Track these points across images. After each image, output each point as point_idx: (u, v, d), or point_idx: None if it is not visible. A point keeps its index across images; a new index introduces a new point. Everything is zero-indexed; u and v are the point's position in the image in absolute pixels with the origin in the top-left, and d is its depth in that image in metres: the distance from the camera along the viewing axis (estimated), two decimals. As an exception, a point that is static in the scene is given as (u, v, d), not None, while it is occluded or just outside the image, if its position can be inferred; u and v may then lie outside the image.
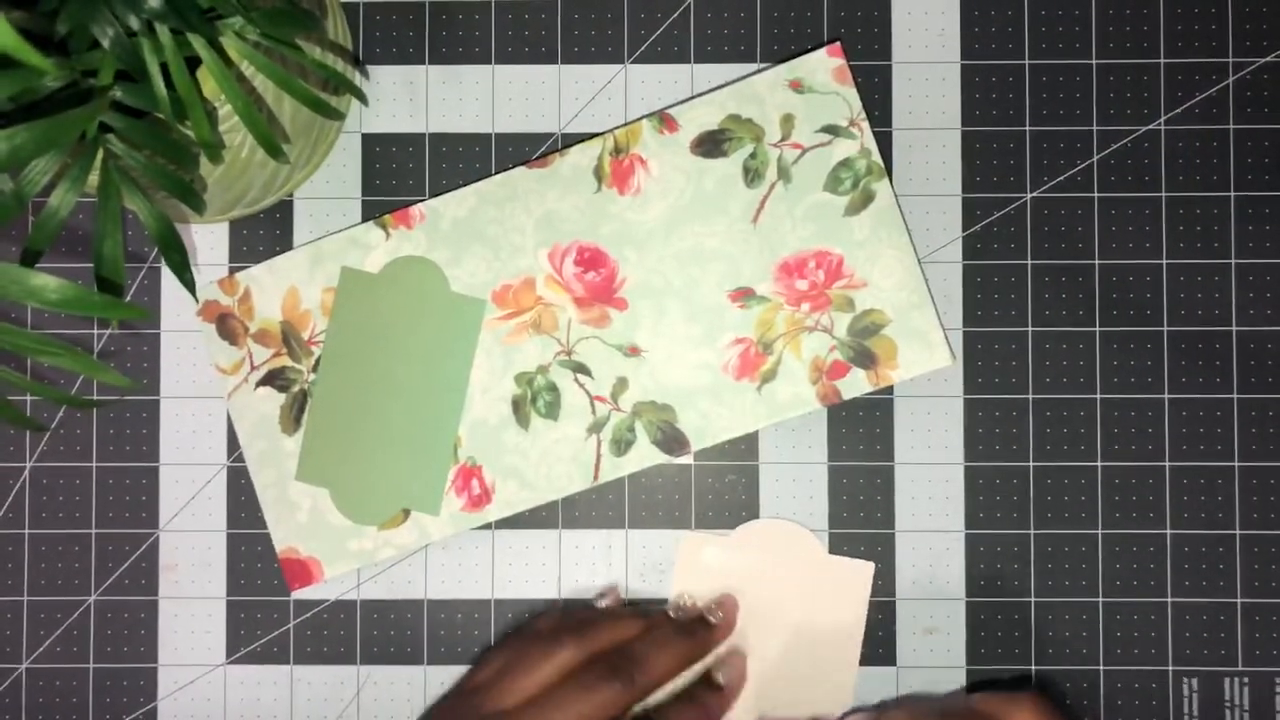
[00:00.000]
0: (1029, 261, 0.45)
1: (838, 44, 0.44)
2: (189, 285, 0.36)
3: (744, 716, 0.44)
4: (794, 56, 0.44)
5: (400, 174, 0.45)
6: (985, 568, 0.44)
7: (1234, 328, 0.44)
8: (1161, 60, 0.45)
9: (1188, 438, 0.44)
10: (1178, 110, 0.45)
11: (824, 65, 0.44)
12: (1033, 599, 0.44)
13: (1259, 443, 0.44)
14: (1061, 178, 0.45)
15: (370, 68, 0.45)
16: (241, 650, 0.45)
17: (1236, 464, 0.44)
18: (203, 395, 0.45)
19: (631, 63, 0.45)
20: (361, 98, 0.39)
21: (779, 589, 0.44)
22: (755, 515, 0.45)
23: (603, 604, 0.43)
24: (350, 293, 0.44)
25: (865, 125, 0.44)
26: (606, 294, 0.44)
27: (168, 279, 0.45)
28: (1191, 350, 0.45)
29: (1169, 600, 0.44)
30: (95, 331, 0.45)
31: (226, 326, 0.45)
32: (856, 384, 0.44)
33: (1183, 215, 0.45)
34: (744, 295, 0.44)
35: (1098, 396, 0.44)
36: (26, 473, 0.45)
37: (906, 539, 0.44)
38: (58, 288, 0.29)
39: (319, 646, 0.45)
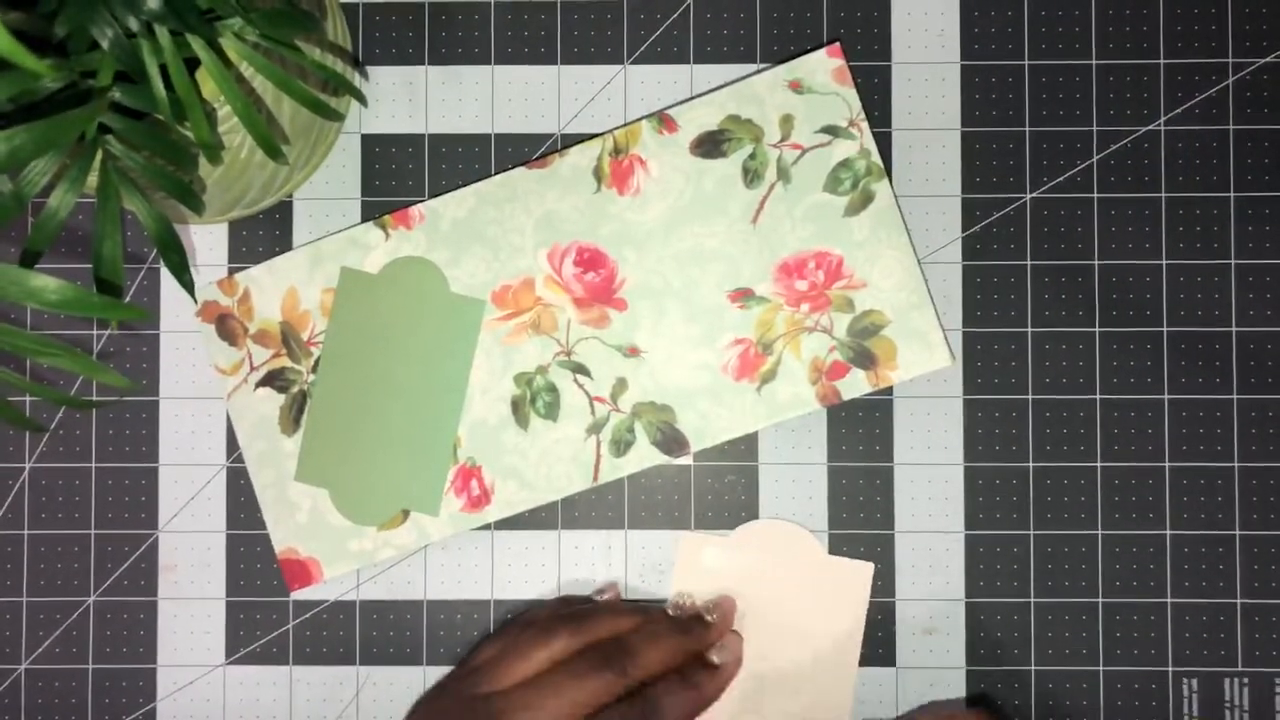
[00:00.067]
0: (1029, 262, 0.45)
1: (837, 44, 0.44)
2: (188, 286, 0.36)
3: (744, 717, 0.44)
4: (793, 57, 0.44)
5: (400, 175, 0.45)
6: (985, 568, 0.44)
7: (1234, 328, 0.44)
8: (1161, 60, 0.45)
9: (1188, 438, 0.44)
10: (1178, 111, 0.45)
11: (823, 66, 0.44)
12: (1033, 599, 0.44)
13: (1259, 443, 0.44)
14: (1061, 178, 0.45)
15: (370, 68, 0.45)
16: (241, 651, 0.45)
17: (1236, 464, 0.44)
18: (202, 396, 0.45)
19: (631, 63, 0.45)
20: (361, 98, 0.39)
21: (778, 589, 0.44)
22: (755, 516, 0.45)
23: (602, 599, 0.44)
24: (350, 293, 0.44)
25: (865, 126, 0.44)
26: (606, 294, 0.44)
27: (167, 280, 0.45)
28: (1191, 350, 0.44)
29: (1169, 601, 0.44)
30: (95, 332, 0.45)
31: (226, 327, 0.45)
32: (856, 384, 0.43)
33: (1183, 216, 0.45)
34: (743, 296, 0.44)
35: (1098, 397, 0.44)
36: (26, 473, 0.45)
37: (906, 539, 0.44)
38: (57, 288, 0.29)
39: (318, 647, 0.45)
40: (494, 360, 0.44)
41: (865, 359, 0.44)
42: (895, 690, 0.44)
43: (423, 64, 0.45)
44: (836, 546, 0.45)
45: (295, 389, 0.44)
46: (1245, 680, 0.44)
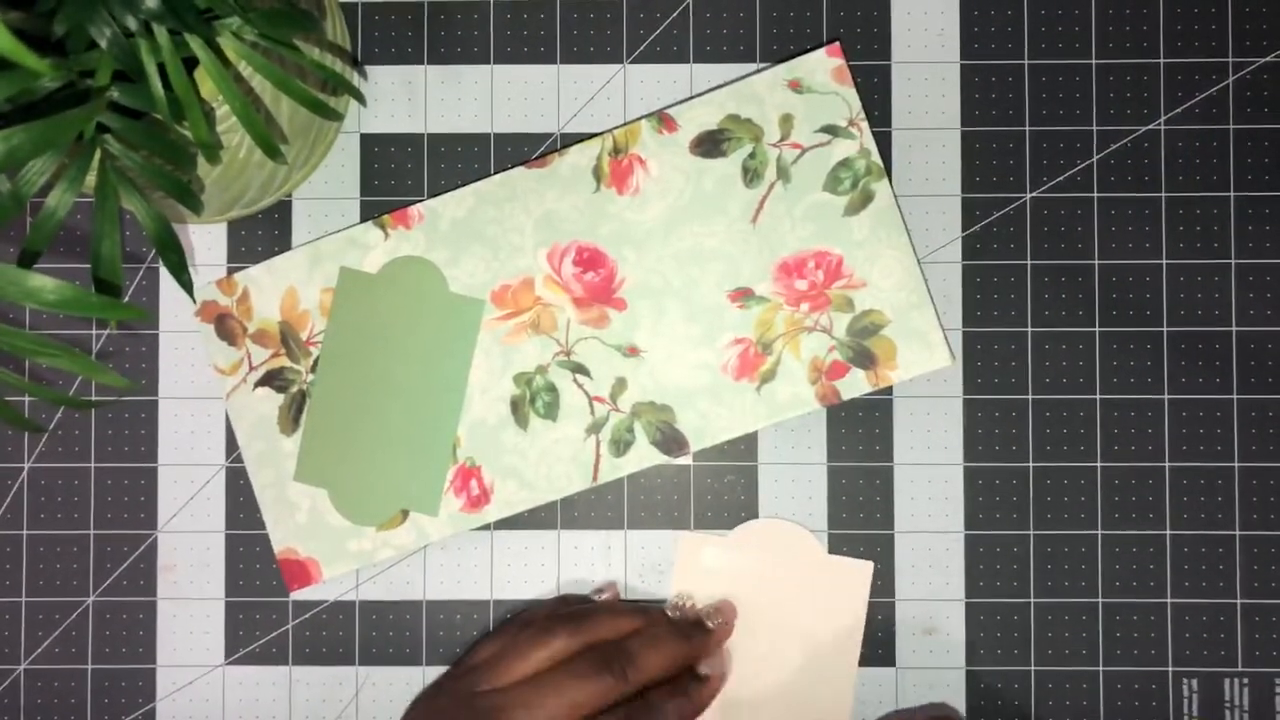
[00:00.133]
0: (1029, 262, 0.45)
1: (837, 44, 0.44)
2: (186, 286, 0.36)
3: (744, 717, 0.44)
4: (793, 56, 0.44)
5: (399, 174, 0.45)
6: (985, 568, 0.44)
7: (1234, 328, 0.44)
8: (1161, 60, 0.45)
9: (1188, 438, 0.44)
10: (1178, 110, 0.45)
11: (823, 65, 0.44)
12: (1033, 599, 0.44)
13: (1259, 443, 0.44)
14: (1061, 178, 0.45)
15: (369, 68, 0.45)
16: (240, 651, 0.45)
17: (1236, 464, 0.44)
18: (201, 396, 0.45)
19: (630, 63, 0.45)
20: (360, 98, 0.39)
21: (778, 589, 0.44)
22: (754, 515, 0.45)
23: (600, 599, 0.44)
24: (349, 293, 0.44)
25: (864, 125, 0.44)
26: (605, 294, 0.44)
27: (166, 279, 0.45)
28: (1191, 350, 0.44)
29: (1169, 601, 0.44)
30: (93, 332, 0.45)
31: (225, 327, 0.45)
32: (856, 384, 0.43)
33: (1183, 215, 0.45)
34: (743, 295, 0.44)
35: (1098, 397, 0.44)
36: (25, 473, 0.45)
37: (906, 539, 0.44)
38: (55, 288, 0.29)
39: (318, 647, 0.45)
40: (493, 360, 0.44)
41: (865, 359, 0.43)
42: (895, 690, 0.44)
43: (422, 63, 0.45)
44: (836, 546, 0.44)
45: (294, 389, 0.44)
46: (1245, 680, 0.44)
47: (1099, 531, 0.44)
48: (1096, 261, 0.45)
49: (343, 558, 0.44)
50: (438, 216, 0.44)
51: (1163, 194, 0.45)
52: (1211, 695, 0.44)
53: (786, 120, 0.44)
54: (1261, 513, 0.44)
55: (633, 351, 0.44)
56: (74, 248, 0.45)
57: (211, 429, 0.45)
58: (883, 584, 0.44)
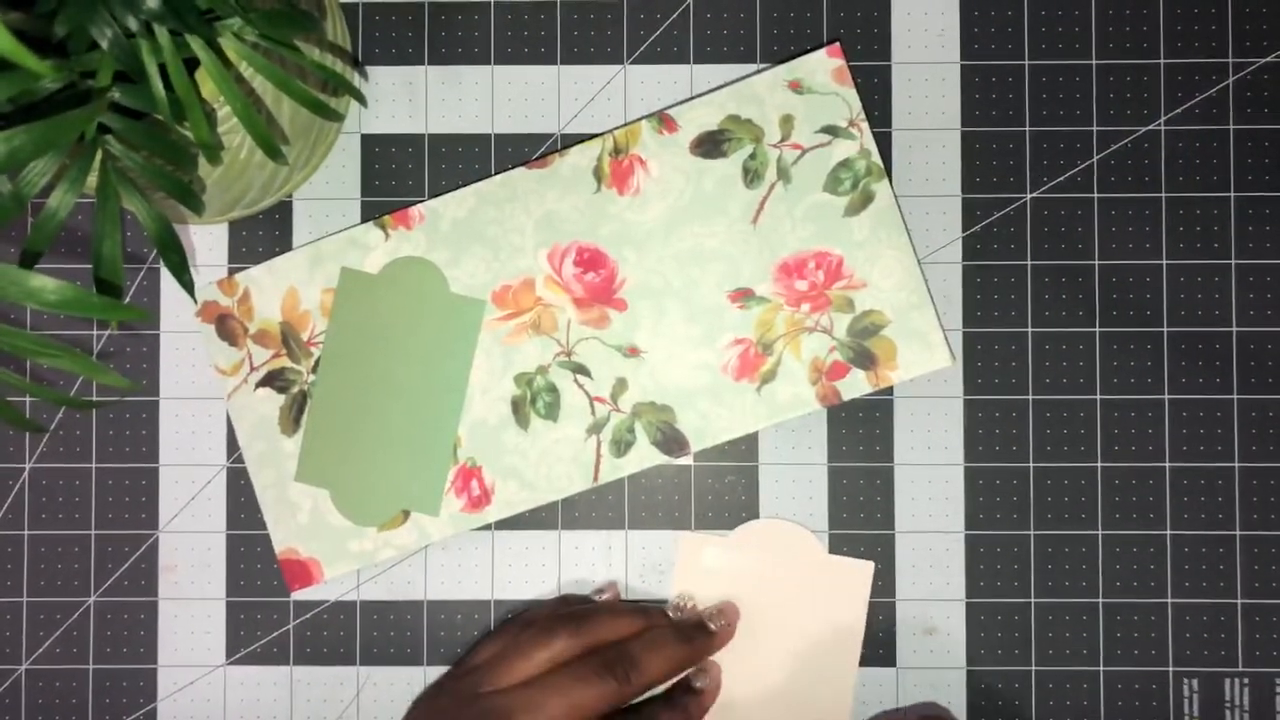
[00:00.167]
0: (1029, 262, 0.45)
1: (837, 44, 0.44)
2: (187, 286, 0.36)
3: (744, 717, 0.44)
4: (793, 57, 0.44)
5: (399, 175, 0.45)
6: (985, 568, 0.44)
7: (1234, 328, 0.44)
8: (1161, 60, 0.45)
9: (1188, 438, 0.44)
10: (1178, 110, 0.45)
11: (823, 66, 0.44)
12: (1033, 599, 0.44)
13: (1259, 443, 0.44)
14: (1061, 178, 0.45)
15: (369, 68, 0.45)
16: (241, 651, 0.45)
17: (1236, 464, 0.44)
18: (202, 396, 0.45)
19: (631, 63, 0.45)
20: (361, 99, 0.39)
21: (779, 589, 0.44)
22: (755, 516, 0.45)
23: (601, 599, 0.44)
24: (350, 293, 0.44)
25: (865, 126, 0.44)
26: (606, 295, 0.44)
27: (167, 280, 0.45)
28: (1191, 350, 0.44)
29: (1169, 601, 0.44)
30: (94, 332, 0.45)
31: (226, 327, 0.45)
32: (856, 385, 0.43)
33: (1183, 216, 0.45)
34: (743, 296, 0.44)
35: (1098, 397, 0.44)
36: (26, 474, 0.45)
37: (906, 539, 0.44)
38: (56, 289, 0.29)
39: (319, 647, 0.45)
40: (494, 360, 0.44)
41: (865, 359, 0.43)
42: (895, 690, 0.44)
43: (422, 64, 0.45)
44: (837, 546, 0.44)
45: (295, 389, 0.44)
46: (1246, 680, 0.44)
47: (1099, 531, 0.44)
48: (1097, 262, 0.45)
49: (344, 558, 0.44)
50: (438, 217, 0.44)
51: (1163, 194, 0.45)
52: (1212, 695, 0.44)
53: (787, 121, 0.44)
54: (1262, 513, 0.44)
55: (633, 352, 0.44)
56: (75, 248, 0.45)
57: (212, 429, 0.45)
58: (883, 584, 0.44)
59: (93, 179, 0.33)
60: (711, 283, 0.44)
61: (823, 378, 0.44)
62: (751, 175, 0.44)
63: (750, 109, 0.44)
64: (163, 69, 0.32)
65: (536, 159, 0.45)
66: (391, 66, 0.45)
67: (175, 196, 0.35)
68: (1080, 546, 0.44)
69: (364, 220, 0.45)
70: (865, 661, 0.44)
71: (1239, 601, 0.44)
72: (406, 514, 0.44)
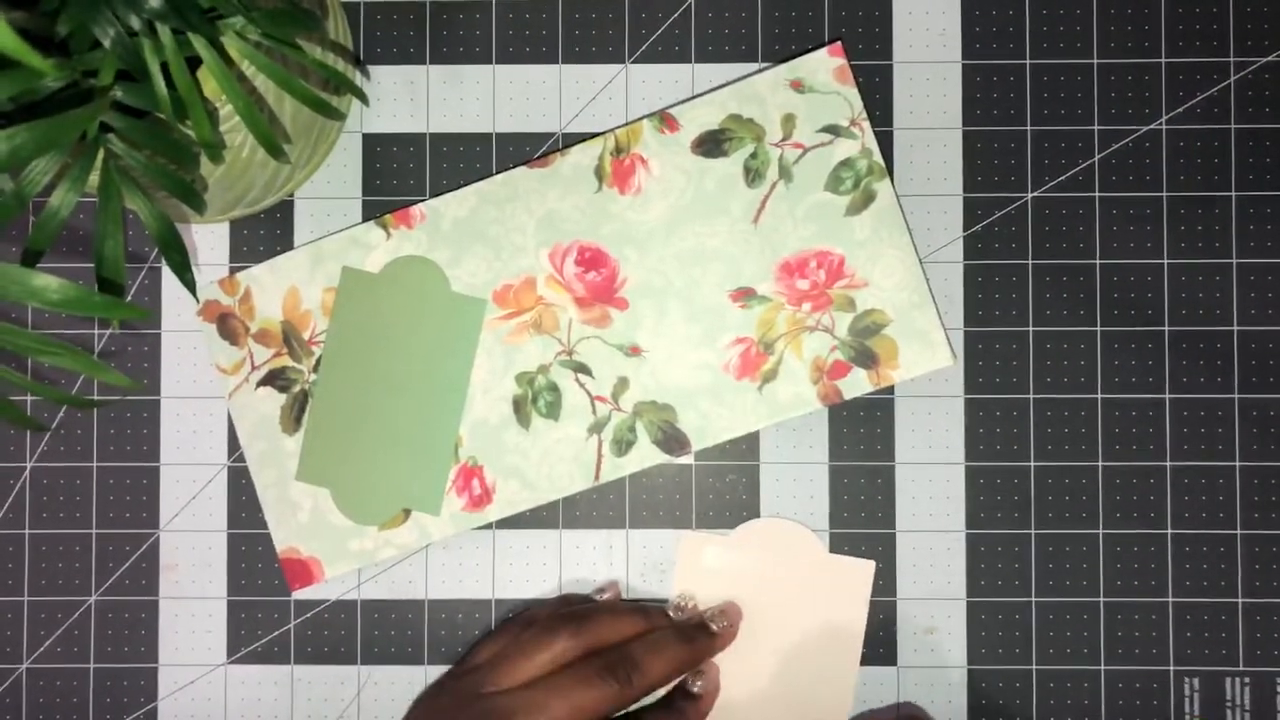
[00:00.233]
0: (1030, 261, 0.45)
1: (838, 44, 0.44)
2: (189, 285, 0.36)
3: (744, 716, 0.44)
4: (795, 56, 0.44)
5: (401, 174, 0.45)
6: (985, 568, 0.44)
7: (1235, 327, 0.44)
8: (1163, 60, 0.45)
9: (1188, 438, 0.44)
10: (1179, 110, 0.45)
11: (825, 65, 0.44)
12: (1033, 599, 0.44)
13: (1259, 443, 0.44)
14: (1062, 177, 0.45)
15: (371, 67, 0.45)
16: (242, 650, 0.45)
17: (1237, 464, 0.44)
18: (203, 395, 0.45)
19: (632, 62, 0.45)
20: (362, 97, 0.39)
21: (779, 588, 0.44)
22: (756, 515, 0.45)
23: (602, 599, 0.44)
24: (351, 292, 0.44)
25: (866, 125, 0.44)
26: (607, 294, 0.44)
27: (168, 279, 0.45)
28: (1192, 350, 0.44)
29: (1170, 600, 0.44)
30: (96, 331, 0.45)
31: (227, 326, 0.45)
32: (857, 384, 0.43)
33: (1184, 215, 0.45)
34: (745, 295, 0.44)
35: (1098, 396, 0.44)
36: (27, 473, 0.45)
37: (906, 539, 0.44)
38: (59, 288, 0.29)
39: (319, 646, 0.45)
40: (495, 359, 0.44)
41: (866, 358, 0.43)
42: (895, 690, 0.44)
43: (424, 63, 0.45)
44: (838, 546, 0.45)
45: (296, 388, 0.44)
46: (1247, 680, 0.44)
47: (1100, 531, 0.44)
48: (1098, 261, 0.45)
49: (344, 557, 0.44)
50: (440, 216, 0.44)
51: (1164, 193, 0.45)
52: (1213, 694, 0.44)
53: (788, 120, 0.44)
54: (1263, 512, 0.44)
55: (634, 351, 0.44)
56: (77, 247, 0.45)
57: (213, 428, 0.45)
58: (884, 583, 0.44)
59: (95, 178, 0.33)
60: (713, 282, 0.44)
61: (824, 377, 0.44)
62: (753, 174, 0.44)
63: (752, 108, 0.44)
64: (165, 68, 0.32)
65: (538, 158, 0.45)
66: (393, 65, 0.45)
67: (177, 195, 0.35)
68: (1081, 546, 0.44)
69: (365, 219, 0.45)
70: (866, 661, 0.44)
71: (1240, 601, 0.44)
72: (407, 513, 0.44)
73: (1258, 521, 0.44)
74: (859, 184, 0.44)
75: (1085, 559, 0.44)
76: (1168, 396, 0.44)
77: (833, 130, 0.44)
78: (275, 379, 0.44)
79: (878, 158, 0.44)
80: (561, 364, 0.44)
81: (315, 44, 0.40)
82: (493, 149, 0.45)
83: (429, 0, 0.45)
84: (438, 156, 0.45)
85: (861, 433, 0.45)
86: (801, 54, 0.44)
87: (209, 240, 0.45)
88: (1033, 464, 0.44)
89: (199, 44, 0.32)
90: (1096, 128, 0.45)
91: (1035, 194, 0.45)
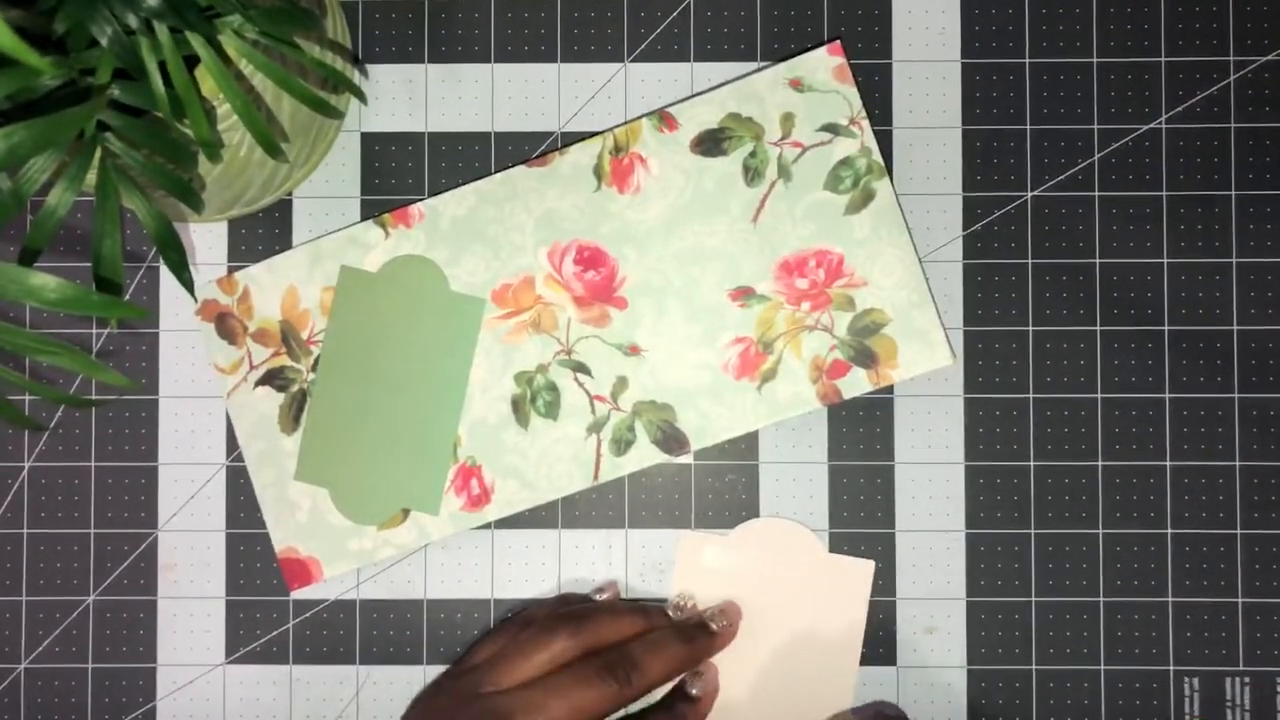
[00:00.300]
0: (1029, 261, 0.45)
1: (838, 42, 0.44)
2: (187, 285, 0.36)
3: (744, 716, 0.44)
4: (794, 55, 0.44)
5: (399, 173, 0.45)
6: (985, 568, 0.44)
7: (1235, 327, 0.44)
8: (1162, 59, 0.45)
9: (1188, 437, 0.44)
10: (1179, 109, 0.45)
11: (824, 64, 0.44)
12: (1033, 599, 0.44)
13: (1259, 443, 0.44)
14: (1062, 176, 0.45)
15: (369, 66, 0.45)
16: (241, 650, 0.45)
17: (1237, 464, 0.44)
18: (202, 395, 0.45)
19: (631, 61, 0.45)
20: (361, 96, 0.39)
21: (779, 588, 0.44)
22: (755, 514, 0.45)
23: (601, 598, 0.44)
24: (349, 292, 0.44)
25: (865, 124, 0.44)
26: (606, 293, 0.44)
27: (166, 278, 0.45)
28: (1192, 350, 0.44)
29: (1170, 600, 0.44)
30: (94, 331, 0.45)
31: (225, 326, 0.45)
32: (857, 383, 0.43)
33: (1184, 214, 0.45)
34: (744, 294, 0.44)
35: (1098, 396, 0.44)
36: (25, 472, 0.45)
37: (906, 539, 0.44)
38: (56, 287, 0.29)
39: (318, 646, 0.45)
40: (494, 359, 0.44)
41: (866, 358, 0.43)
42: (895, 690, 0.44)
43: (423, 62, 0.45)
44: (837, 545, 0.44)
45: (295, 388, 0.44)
46: (1247, 679, 0.44)
47: (1100, 530, 0.44)
48: (1097, 260, 0.45)
49: (343, 557, 0.44)
50: (438, 215, 0.44)
51: (1164, 193, 0.45)
52: (1213, 694, 0.44)
53: (787, 119, 0.44)
54: (1263, 511, 0.44)
55: (634, 350, 0.44)
56: (75, 246, 0.45)
57: (212, 428, 0.45)
58: (883, 583, 0.44)
59: (92, 176, 0.33)
60: (712, 281, 0.44)
61: (823, 376, 0.43)
62: (752, 173, 0.44)
63: (751, 107, 0.44)
64: (162, 66, 0.32)
65: (537, 157, 0.45)
66: (391, 64, 0.45)
67: (175, 194, 0.35)
68: (1080, 546, 0.44)
69: (364, 218, 0.45)
70: (865, 661, 0.44)
71: (1240, 600, 0.44)
72: (406, 513, 0.44)
73: (1258, 521, 0.44)
74: (858, 183, 0.43)
75: (1085, 559, 0.44)
76: (1168, 396, 0.44)
77: (832, 129, 0.44)
78: (274, 378, 0.44)
79: (877, 157, 0.43)
80: (560, 363, 0.44)
81: (313, 43, 0.40)
82: (491, 148, 0.45)
83: (428, -1, 0.45)
84: (436, 155, 0.45)
85: (861, 432, 0.45)
86: (801, 53, 0.44)
87: (207, 239, 0.45)
88: (1033, 464, 0.44)
89: (197, 43, 0.32)
90: (1096, 127, 0.45)
91: (1035, 193, 0.45)
